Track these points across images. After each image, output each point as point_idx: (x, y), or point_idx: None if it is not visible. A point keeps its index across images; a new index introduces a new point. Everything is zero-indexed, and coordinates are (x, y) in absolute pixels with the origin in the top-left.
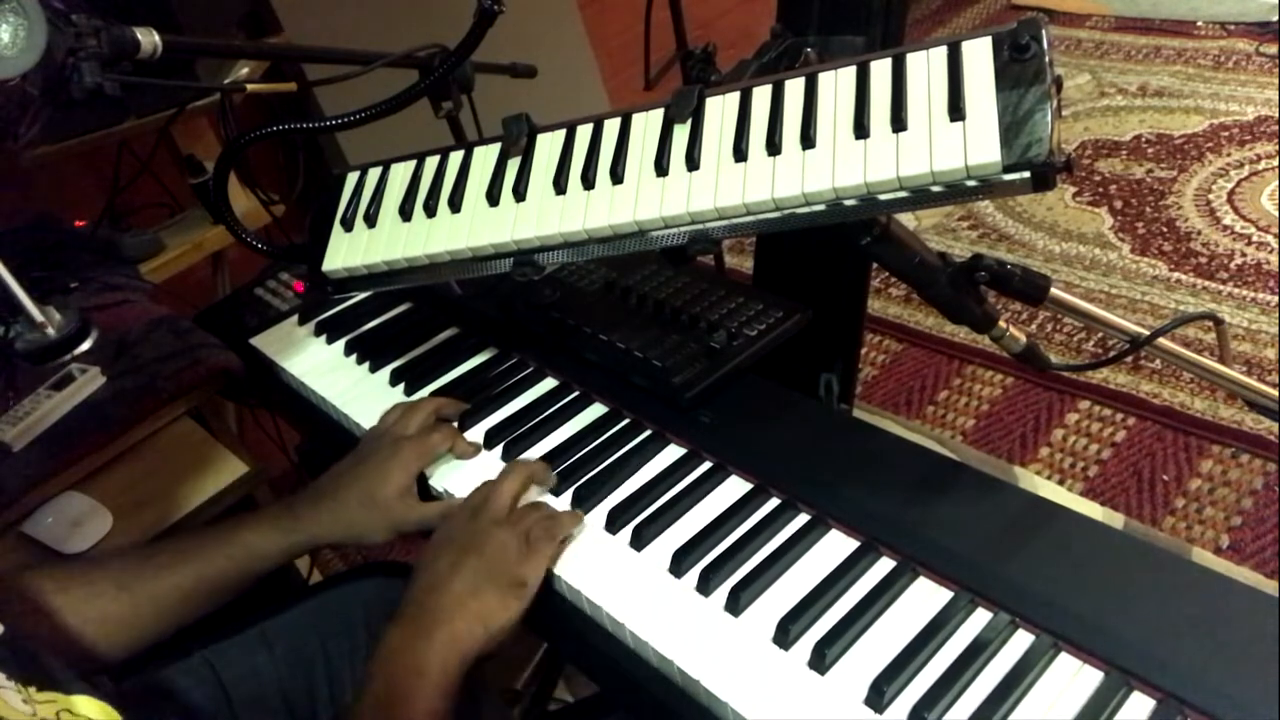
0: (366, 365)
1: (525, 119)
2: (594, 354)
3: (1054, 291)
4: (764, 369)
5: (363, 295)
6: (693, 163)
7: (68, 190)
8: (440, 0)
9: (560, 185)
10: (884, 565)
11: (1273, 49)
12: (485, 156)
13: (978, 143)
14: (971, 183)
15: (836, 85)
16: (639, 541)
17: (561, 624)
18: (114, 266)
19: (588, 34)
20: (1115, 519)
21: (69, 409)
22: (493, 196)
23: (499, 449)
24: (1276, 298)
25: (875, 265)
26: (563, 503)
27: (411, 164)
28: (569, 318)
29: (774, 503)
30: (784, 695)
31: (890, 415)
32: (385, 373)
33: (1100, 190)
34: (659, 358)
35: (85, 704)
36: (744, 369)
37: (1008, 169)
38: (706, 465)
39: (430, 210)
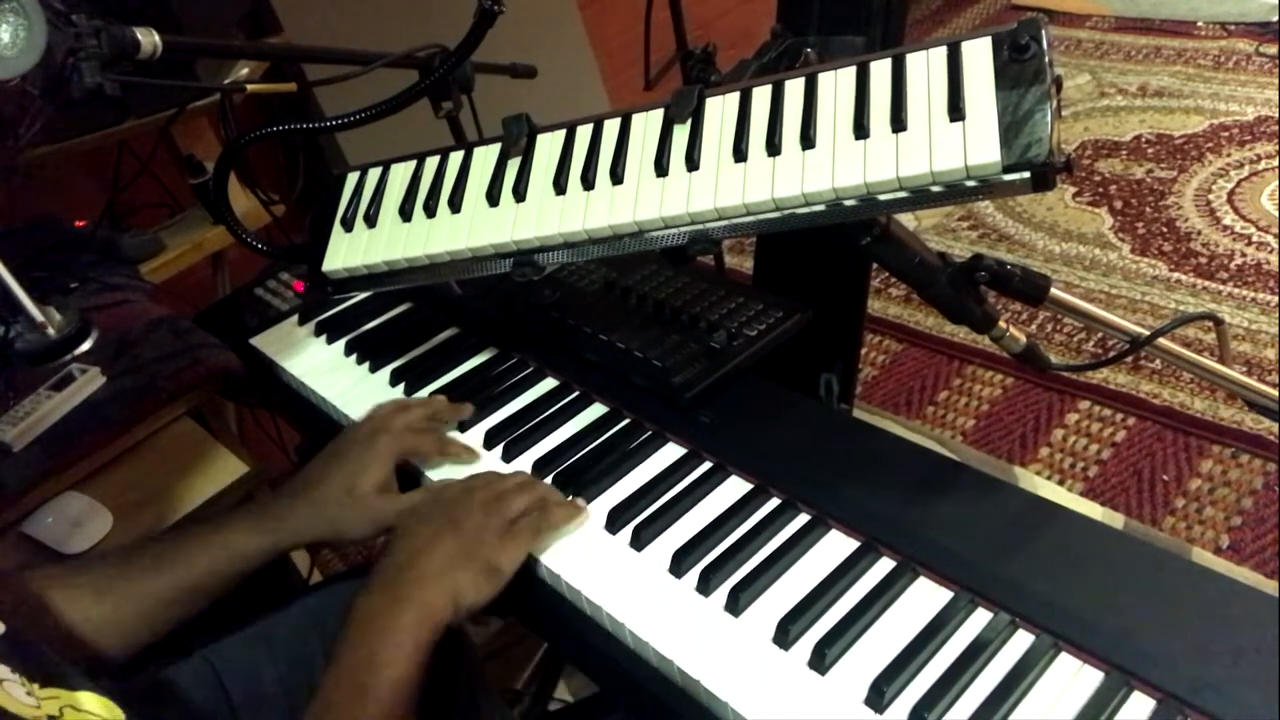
0: (366, 365)
1: (525, 119)
2: (594, 354)
3: (1054, 291)
4: (764, 369)
5: (363, 295)
6: (693, 163)
7: (68, 190)
8: (440, 0)
9: (560, 185)
10: (884, 565)
11: (1273, 49)
12: (485, 156)
13: (977, 143)
14: (971, 183)
15: (836, 85)
16: (639, 542)
17: (561, 624)
18: (114, 266)
19: (588, 34)
20: (1115, 519)
21: (69, 409)
22: (493, 197)
23: (499, 449)
24: (1276, 298)
25: (875, 265)
26: None
27: (411, 164)
28: (569, 318)
29: (774, 503)
30: (784, 695)
31: (890, 415)
32: (385, 373)
33: (1100, 190)
34: (659, 358)
35: (89, 699)
36: (744, 369)
37: (1008, 169)
38: (706, 465)
39: (430, 210)
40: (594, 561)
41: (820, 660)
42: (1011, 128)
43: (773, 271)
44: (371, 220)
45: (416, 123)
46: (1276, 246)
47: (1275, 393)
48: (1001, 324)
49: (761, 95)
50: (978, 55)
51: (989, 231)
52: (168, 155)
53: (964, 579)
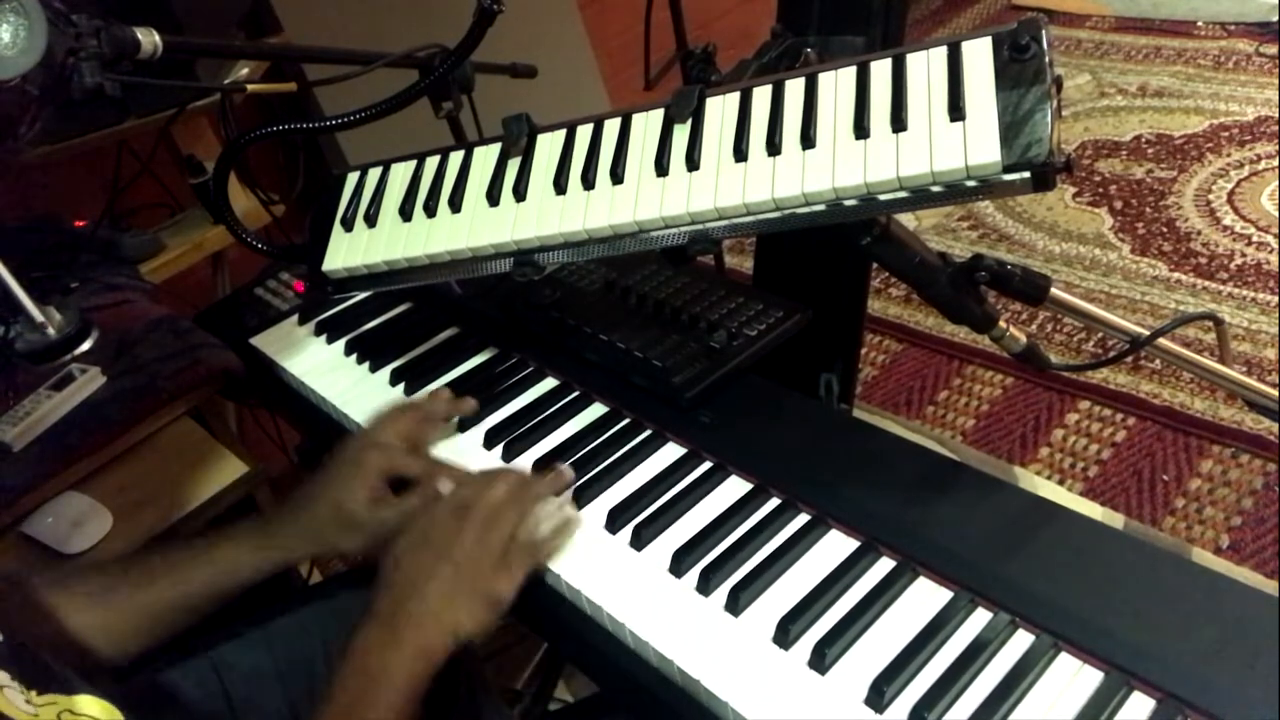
0: (366, 365)
1: (525, 119)
2: (594, 354)
3: (1054, 291)
4: (764, 369)
5: (363, 295)
6: (693, 163)
7: (68, 190)
8: (440, 0)
9: (560, 185)
10: (884, 565)
11: (1273, 49)
12: (485, 156)
13: (978, 143)
14: (971, 183)
15: (836, 85)
16: (639, 541)
17: (561, 624)
18: (114, 266)
19: (588, 34)
20: (1115, 519)
21: (69, 409)
22: (493, 196)
23: (499, 449)
24: (1276, 298)
25: (875, 265)
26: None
27: (411, 164)
28: (569, 318)
29: (774, 503)
30: (784, 695)
31: (890, 415)
32: (385, 373)
33: (1100, 190)
34: (659, 358)
35: (88, 703)
36: (744, 369)
37: (1008, 169)
38: (706, 465)
39: (430, 210)
40: (594, 561)
41: (820, 660)
42: (1012, 128)
43: (773, 271)
44: (371, 220)
45: (416, 123)
46: (1276, 246)
47: (1275, 393)
48: (1001, 324)
49: (762, 95)
50: (978, 55)
51: (989, 231)
52: (168, 155)
53: (964, 579)
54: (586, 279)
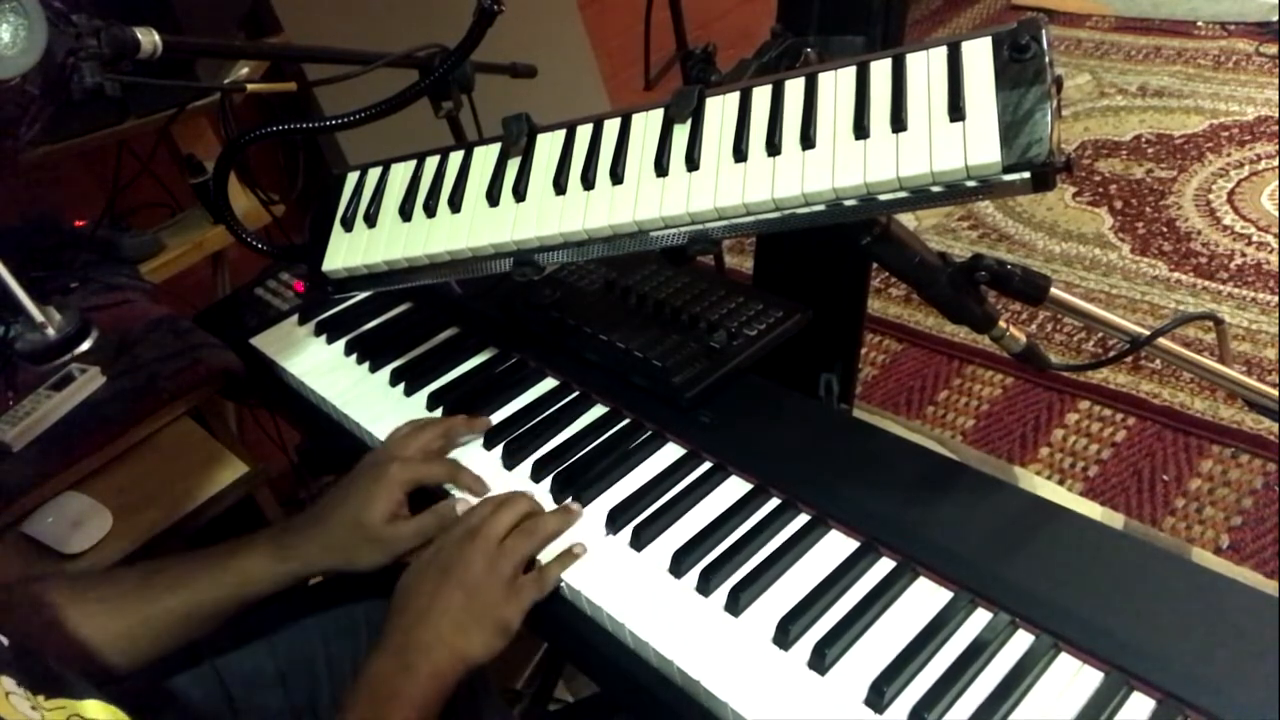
0: (366, 365)
1: (525, 119)
2: (594, 354)
3: (1054, 291)
4: (764, 369)
5: (363, 295)
6: (693, 163)
7: (68, 190)
8: (440, 0)
9: (560, 185)
10: (884, 565)
11: (1273, 49)
12: (485, 156)
13: (978, 143)
14: (971, 183)
15: (836, 85)
16: (639, 542)
17: (562, 624)
18: (114, 266)
19: (588, 34)
20: (1115, 519)
21: (69, 409)
22: (493, 196)
23: (499, 449)
24: (1276, 298)
25: (875, 265)
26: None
27: (411, 164)
28: (569, 318)
29: (774, 503)
30: (784, 695)
31: (890, 415)
32: (385, 372)
33: (1100, 190)
34: (659, 358)
35: (95, 708)
36: (744, 369)
37: (1008, 169)
38: (706, 465)
39: (430, 210)
40: (594, 562)
41: (820, 660)
42: (1012, 128)
43: (773, 271)
44: (371, 220)
45: (416, 123)
46: (1276, 246)
47: (1275, 393)
48: (1001, 324)
49: (761, 95)
50: (978, 55)
51: (989, 231)
52: (168, 155)
53: (964, 579)
54: (586, 279)
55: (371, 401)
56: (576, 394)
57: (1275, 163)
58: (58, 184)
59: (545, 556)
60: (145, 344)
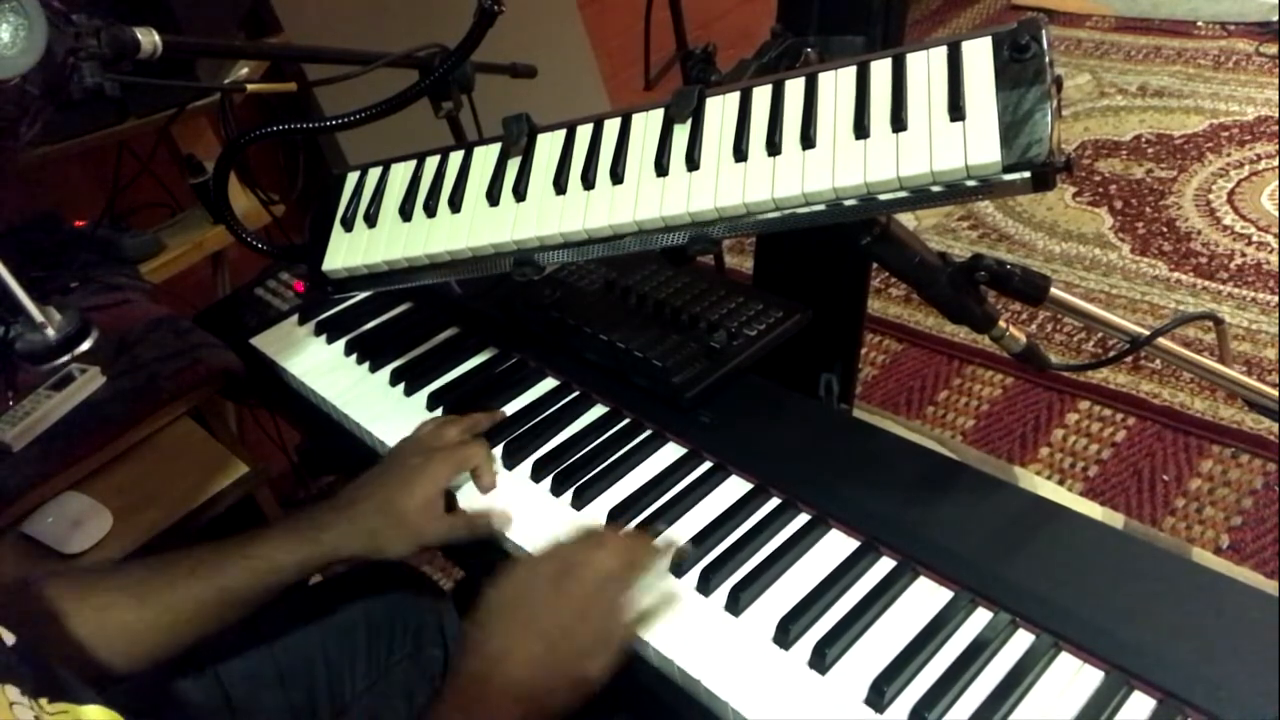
0: (366, 365)
1: (525, 119)
2: (594, 354)
3: (1054, 291)
4: (764, 369)
5: (363, 295)
6: (693, 163)
7: (68, 190)
8: (440, 0)
9: (560, 185)
10: (884, 565)
11: (1273, 49)
12: (485, 156)
13: (978, 143)
14: (971, 183)
15: (836, 85)
16: None
17: None
18: (114, 266)
19: (588, 34)
20: (1115, 519)
21: (69, 409)
22: (493, 196)
23: (499, 449)
24: (1276, 298)
25: (875, 265)
26: (563, 504)
27: (411, 164)
28: (569, 318)
29: (774, 503)
30: (784, 695)
31: (890, 415)
32: (385, 372)
33: (1100, 190)
34: (659, 358)
35: (96, 713)
36: (744, 369)
37: (1008, 169)
38: (706, 465)
39: (430, 210)
40: None
41: (820, 660)
42: (1012, 127)
43: (773, 271)
44: (371, 220)
45: (416, 123)
46: (1276, 246)
47: (1275, 393)
48: (1001, 324)
49: (761, 95)
50: (978, 55)
51: (989, 231)
52: (168, 155)
53: (964, 579)
54: (586, 279)
55: (371, 401)
56: (576, 394)
57: (1275, 163)
58: (58, 184)
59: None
60: (145, 344)
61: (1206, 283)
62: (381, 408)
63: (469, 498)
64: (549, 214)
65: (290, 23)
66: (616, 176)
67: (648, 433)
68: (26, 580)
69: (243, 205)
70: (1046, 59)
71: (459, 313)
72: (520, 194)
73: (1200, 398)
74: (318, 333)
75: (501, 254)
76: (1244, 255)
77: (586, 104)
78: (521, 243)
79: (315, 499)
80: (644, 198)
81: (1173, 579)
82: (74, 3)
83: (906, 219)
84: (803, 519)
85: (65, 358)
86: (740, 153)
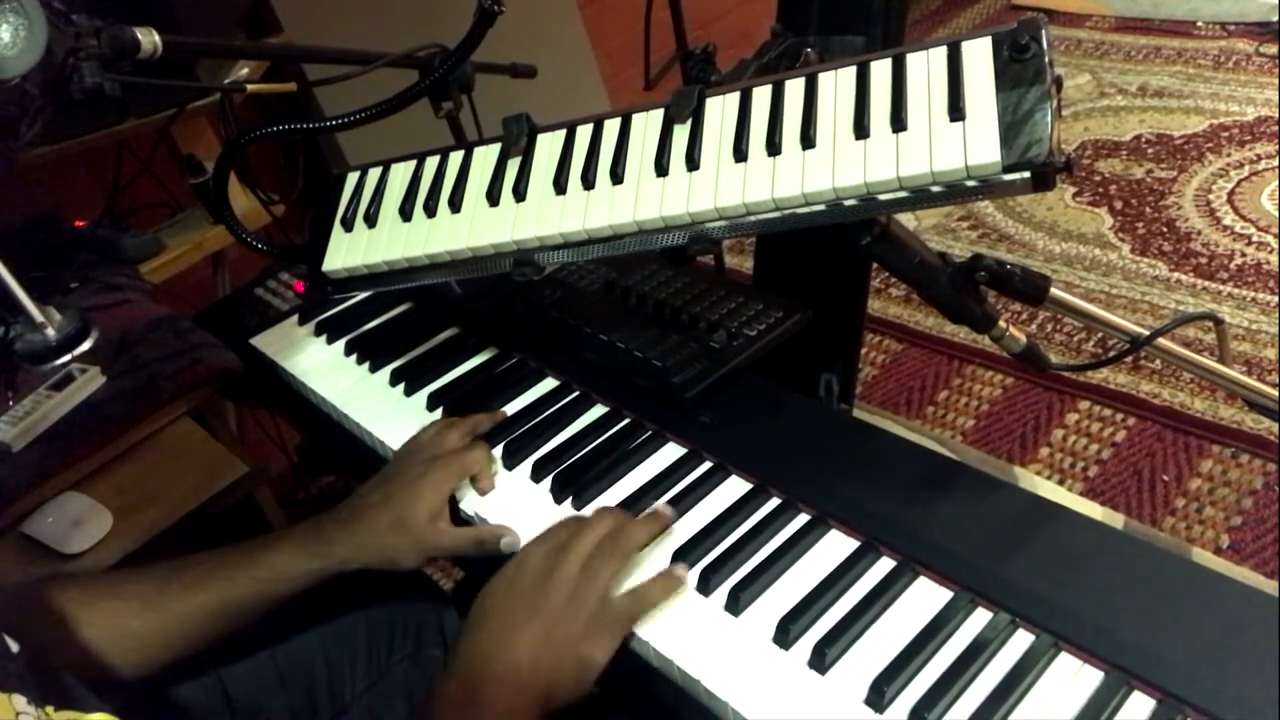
0: (366, 365)
1: (525, 119)
2: (594, 354)
3: (1054, 291)
4: (764, 369)
5: (363, 295)
6: (693, 163)
7: (68, 190)
8: (440, 0)
9: (560, 185)
10: (884, 565)
11: (1273, 49)
12: (485, 156)
13: (978, 143)
14: (971, 183)
15: (836, 85)
16: None
17: None
18: (114, 266)
19: (588, 34)
20: (1115, 519)
21: (69, 409)
22: (493, 196)
23: (499, 449)
24: (1276, 298)
25: (875, 265)
26: (563, 504)
27: (411, 164)
28: (569, 318)
29: (774, 503)
30: (784, 695)
31: (890, 415)
32: (385, 373)
33: (1100, 190)
34: (659, 358)
35: None
36: (744, 369)
37: (1008, 169)
38: (706, 465)
39: (430, 210)
40: None
41: (820, 660)
42: (1012, 128)
43: (773, 271)
44: (371, 220)
45: (416, 123)
46: (1276, 246)
47: (1275, 393)
48: (1001, 324)
49: (761, 95)
50: (978, 55)
51: (989, 231)
52: (168, 155)
53: (964, 579)
54: (586, 279)
55: (371, 402)
56: (576, 394)
57: (1275, 163)
58: (58, 184)
59: (639, 573)
60: (145, 344)
61: (1206, 283)
62: (381, 408)
63: (469, 500)
64: (549, 214)
65: (290, 23)
66: (616, 176)
67: (648, 433)
68: (33, 584)
69: (243, 205)
70: (1046, 59)
71: (459, 313)
72: (520, 194)
73: (1200, 398)
74: (318, 333)
75: (501, 254)
76: (1244, 255)
77: (586, 104)
78: (521, 243)
79: (315, 499)
80: (644, 198)
81: (1173, 579)
82: (74, 3)
83: (906, 219)
84: (803, 519)
85: (65, 358)
86: (740, 153)
